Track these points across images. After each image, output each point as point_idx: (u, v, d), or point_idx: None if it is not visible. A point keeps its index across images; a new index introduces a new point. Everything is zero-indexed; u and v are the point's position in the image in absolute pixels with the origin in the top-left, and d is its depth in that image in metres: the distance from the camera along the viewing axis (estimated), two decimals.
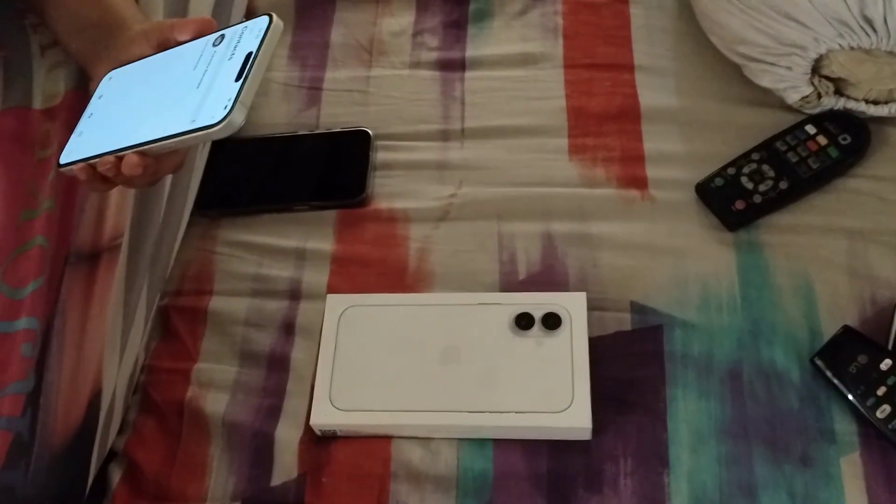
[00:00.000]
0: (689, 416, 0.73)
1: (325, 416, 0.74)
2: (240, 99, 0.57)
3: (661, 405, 0.73)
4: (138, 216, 0.81)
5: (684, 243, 0.81)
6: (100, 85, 0.71)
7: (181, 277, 0.86)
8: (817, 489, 0.69)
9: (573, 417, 0.71)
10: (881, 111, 0.84)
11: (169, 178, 0.84)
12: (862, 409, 0.70)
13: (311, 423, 0.74)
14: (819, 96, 0.85)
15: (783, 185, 0.82)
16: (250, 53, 0.59)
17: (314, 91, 0.97)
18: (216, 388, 0.79)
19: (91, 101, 0.70)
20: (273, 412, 0.77)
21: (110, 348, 0.76)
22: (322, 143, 0.93)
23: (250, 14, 1.00)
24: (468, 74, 0.96)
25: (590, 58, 0.95)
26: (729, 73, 0.90)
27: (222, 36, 0.63)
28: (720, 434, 0.72)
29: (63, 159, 0.67)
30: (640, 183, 0.86)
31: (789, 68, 0.83)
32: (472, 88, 0.95)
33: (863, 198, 0.82)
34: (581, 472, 0.71)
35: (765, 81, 0.86)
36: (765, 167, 0.83)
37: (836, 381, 0.71)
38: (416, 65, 0.98)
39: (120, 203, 0.80)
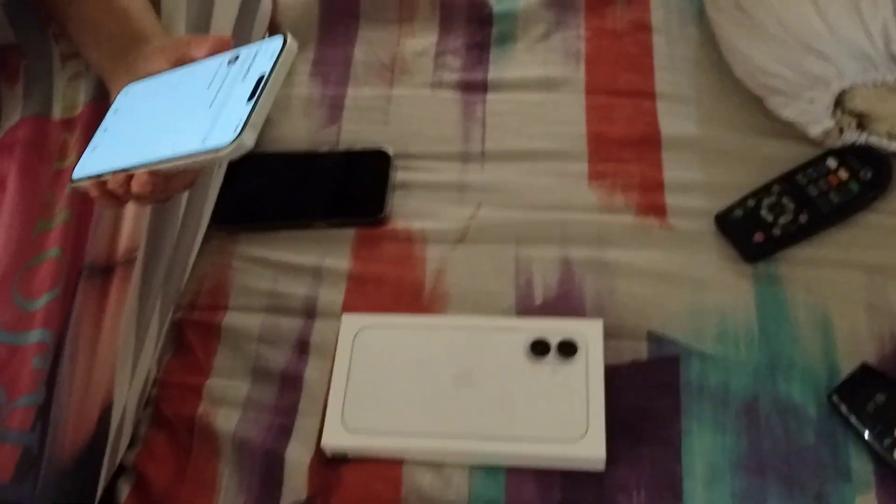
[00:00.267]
0: (703, 449, 0.72)
1: (336, 438, 0.73)
2: (250, 121, 0.57)
3: (675, 437, 0.72)
4: (154, 230, 0.81)
5: (702, 273, 0.81)
6: (116, 99, 0.71)
7: (196, 291, 0.86)
8: None
9: (587, 448, 0.71)
10: None
11: (185, 193, 0.84)
12: (878, 449, 0.69)
13: (323, 444, 0.74)
14: (841, 131, 0.84)
15: (803, 218, 0.82)
16: (263, 75, 0.59)
17: (335, 108, 0.97)
18: (228, 405, 0.79)
19: (107, 115, 0.70)
20: (284, 431, 0.76)
21: (122, 362, 0.76)
22: (342, 161, 0.93)
23: (273, 29, 1.01)
24: (489, 97, 0.96)
25: (611, 84, 0.95)
26: (751, 103, 0.89)
27: (237, 55, 0.63)
28: (735, 468, 0.71)
29: (76, 174, 0.67)
30: (659, 211, 0.85)
31: (811, 101, 0.83)
32: (494, 111, 0.95)
33: (883, 233, 0.82)
34: None
35: (786, 113, 0.86)
36: (785, 200, 0.83)
37: (852, 419, 0.71)
38: (437, 85, 0.97)
39: (136, 217, 0.80)
